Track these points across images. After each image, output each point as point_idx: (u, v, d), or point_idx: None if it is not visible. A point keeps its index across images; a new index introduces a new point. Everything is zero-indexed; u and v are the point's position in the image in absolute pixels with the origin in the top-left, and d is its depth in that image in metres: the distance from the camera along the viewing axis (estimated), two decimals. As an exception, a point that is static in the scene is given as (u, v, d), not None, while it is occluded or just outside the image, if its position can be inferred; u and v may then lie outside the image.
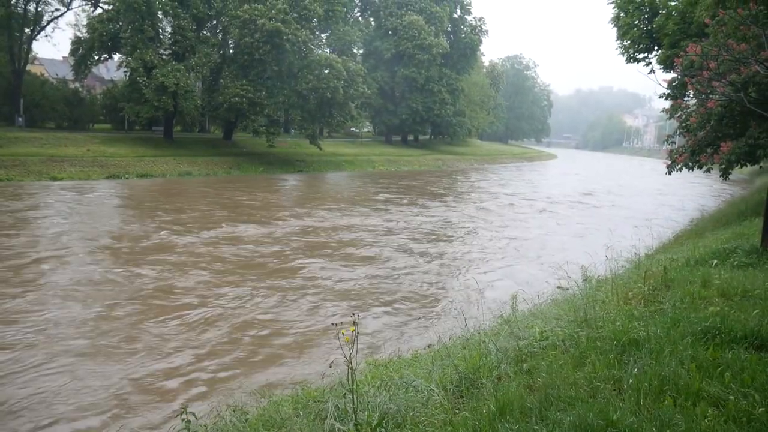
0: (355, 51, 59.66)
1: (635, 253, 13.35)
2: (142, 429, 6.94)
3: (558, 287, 11.44)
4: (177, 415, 5.14)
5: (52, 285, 12.45)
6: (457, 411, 4.48)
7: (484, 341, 6.62)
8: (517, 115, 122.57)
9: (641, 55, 27.14)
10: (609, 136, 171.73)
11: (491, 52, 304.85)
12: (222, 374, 8.59)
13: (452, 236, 21.29)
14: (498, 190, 40.41)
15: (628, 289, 8.14)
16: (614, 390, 4.40)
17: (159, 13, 40.06)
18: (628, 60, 27.33)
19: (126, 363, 8.66)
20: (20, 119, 39.79)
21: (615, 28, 27.40)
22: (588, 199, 35.47)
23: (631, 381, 4.42)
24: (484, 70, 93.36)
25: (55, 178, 30.22)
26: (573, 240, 20.81)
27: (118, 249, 16.20)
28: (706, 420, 3.79)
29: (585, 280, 11.24)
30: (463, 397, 4.82)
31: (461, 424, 4.08)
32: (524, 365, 5.29)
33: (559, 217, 27.25)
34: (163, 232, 18.26)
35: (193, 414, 5.00)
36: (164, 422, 6.96)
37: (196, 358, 9.03)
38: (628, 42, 26.59)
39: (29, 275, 13.08)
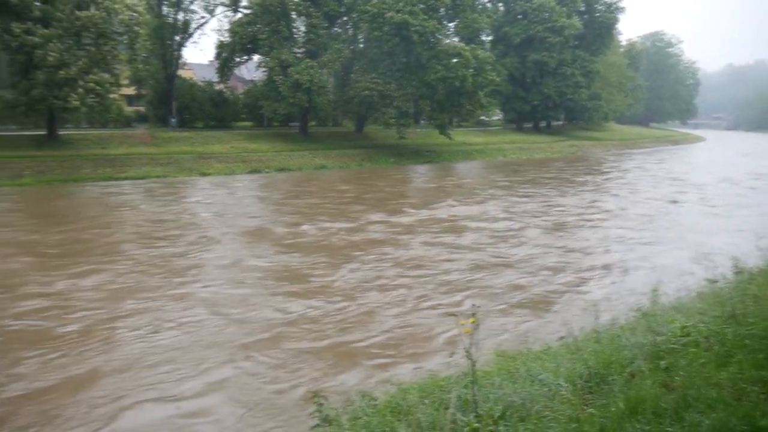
0: (483, 38, 58.55)
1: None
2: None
3: (706, 279, 10.67)
4: (310, 398, 5.40)
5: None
6: (584, 407, 4.32)
7: (618, 336, 6.33)
8: (659, 96, 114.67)
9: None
10: (767, 116, 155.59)
11: (629, 30, 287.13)
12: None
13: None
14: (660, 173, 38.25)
15: (786, 282, 7.41)
16: (762, 393, 4.03)
17: (293, 13, 41.90)
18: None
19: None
20: (173, 120, 43.49)
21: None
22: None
23: (783, 384, 4.04)
24: (622, 49, 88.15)
25: (204, 174, 32.59)
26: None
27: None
28: None
29: (737, 272, 10.39)
30: (592, 393, 4.64)
31: (588, 421, 3.93)
32: (661, 362, 4.99)
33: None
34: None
35: (325, 397, 5.24)
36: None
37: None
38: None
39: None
